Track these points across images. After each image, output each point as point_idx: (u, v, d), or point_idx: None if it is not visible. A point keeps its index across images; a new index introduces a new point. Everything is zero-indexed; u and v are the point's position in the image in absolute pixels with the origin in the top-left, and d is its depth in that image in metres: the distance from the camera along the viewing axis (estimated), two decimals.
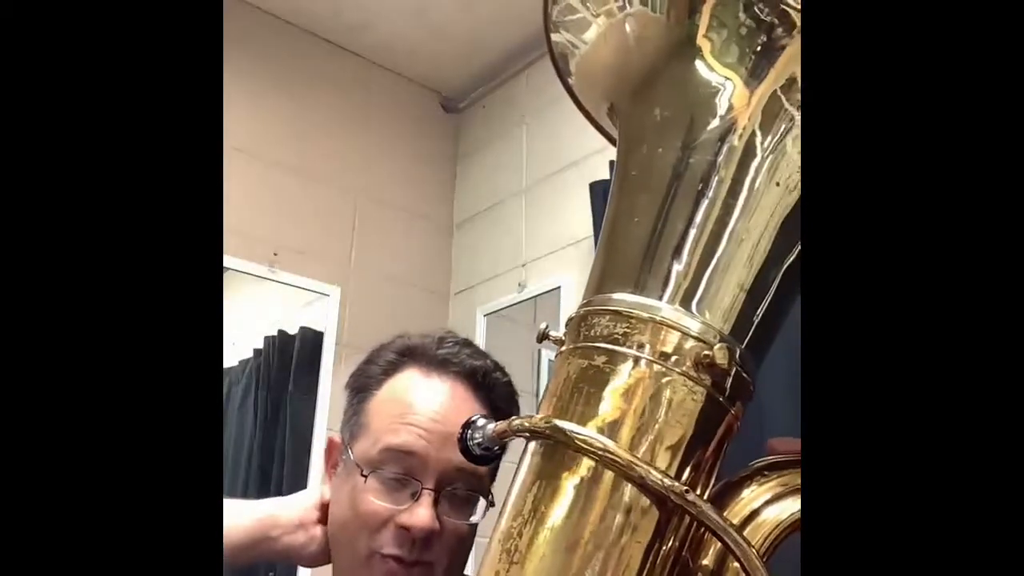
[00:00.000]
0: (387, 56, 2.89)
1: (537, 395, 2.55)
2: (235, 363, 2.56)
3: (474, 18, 2.67)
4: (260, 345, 2.58)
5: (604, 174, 2.22)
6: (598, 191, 2.23)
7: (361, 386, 0.87)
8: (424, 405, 0.81)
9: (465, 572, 0.85)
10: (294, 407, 2.47)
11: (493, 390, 0.86)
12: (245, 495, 2.40)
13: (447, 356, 0.85)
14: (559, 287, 2.46)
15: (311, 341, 2.56)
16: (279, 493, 2.40)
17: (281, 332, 2.59)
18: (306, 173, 2.67)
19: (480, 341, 2.70)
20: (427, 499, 0.78)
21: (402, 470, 0.79)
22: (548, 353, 2.56)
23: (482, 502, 0.82)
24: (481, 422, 0.52)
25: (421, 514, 0.77)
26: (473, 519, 0.81)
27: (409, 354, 0.86)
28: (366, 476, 0.79)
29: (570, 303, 2.39)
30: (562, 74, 0.64)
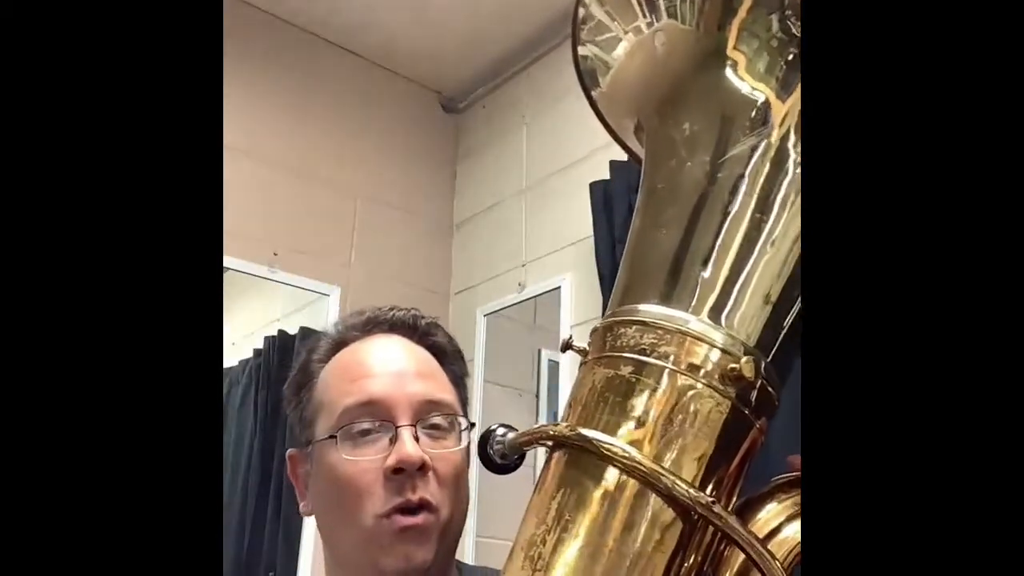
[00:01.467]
0: (387, 56, 2.89)
1: (537, 395, 2.55)
2: (235, 363, 2.56)
3: (474, 18, 2.66)
4: (260, 345, 2.58)
5: (604, 174, 2.22)
6: (598, 191, 2.23)
7: (300, 383, 0.84)
8: (371, 358, 0.79)
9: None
10: None
11: (431, 334, 0.84)
12: (245, 495, 2.40)
13: (372, 318, 0.83)
14: (559, 287, 2.46)
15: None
16: (279, 493, 2.41)
17: (281, 332, 2.59)
18: (306, 173, 2.67)
19: (480, 341, 2.70)
20: (407, 434, 0.73)
21: (371, 419, 0.75)
22: (548, 353, 2.56)
23: (463, 423, 0.78)
24: (500, 431, 0.51)
25: (406, 448, 0.72)
26: (460, 446, 0.77)
27: (339, 340, 0.84)
28: (336, 436, 0.75)
29: (570, 303, 2.39)
30: (587, 89, 0.64)
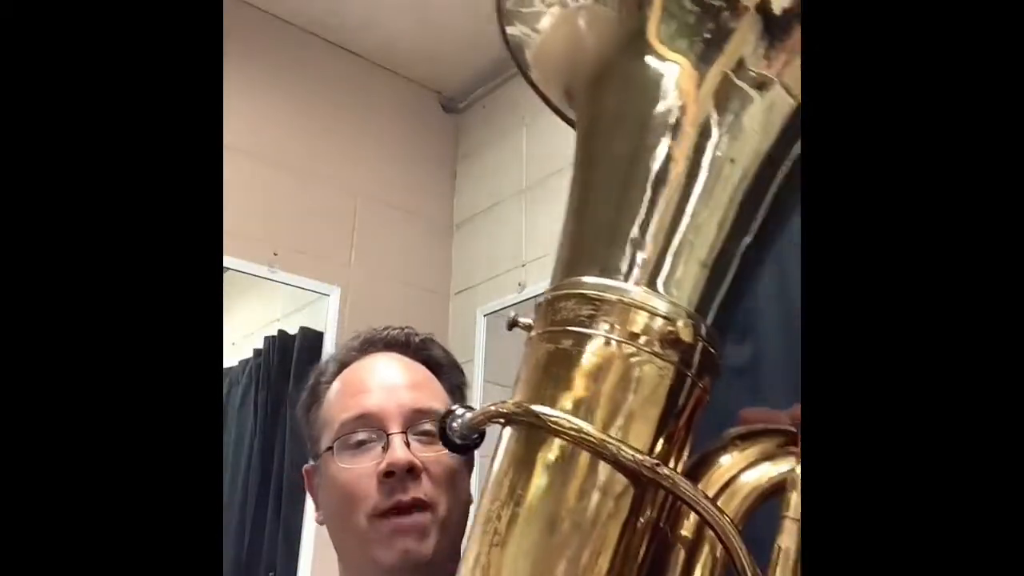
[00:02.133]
0: (387, 56, 2.89)
1: None
2: (235, 363, 2.56)
3: (474, 18, 2.66)
4: (260, 345, 2.59)
5: None
6: None
7: (309, 403, 0.91)
8: (366, 375, 0.86)
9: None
10: (294, 407, 2.47)
11: (425, 349, 0.90)
12: (245, 495, 2.40)
13: (368, 339, 0.90)
14: None
15: (311, 341, 2.56)
16: (279, 493, 2.41)
17: (281, 332, 2.59)
18: (306, 173, 2.67)
19: (480, 341, 2.71)
20: (397, 441, 0.79)
21: (365, 430, 0.81)
22: None
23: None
24: (459, 411, 0.52)
25: (396, 452, 0.78)
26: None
27: (342, 361, 0.90)
28: (332, 448, 0.81)
29: None
30: (521, 65, 0.66)
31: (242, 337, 2.60)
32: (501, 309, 2.70)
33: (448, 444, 0.53)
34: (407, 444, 0.79)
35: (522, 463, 0.48)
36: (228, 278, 2.38)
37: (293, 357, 2.55)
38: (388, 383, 0.84)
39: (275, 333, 2.59)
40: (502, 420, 0.50)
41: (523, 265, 2.67)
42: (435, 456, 0.80)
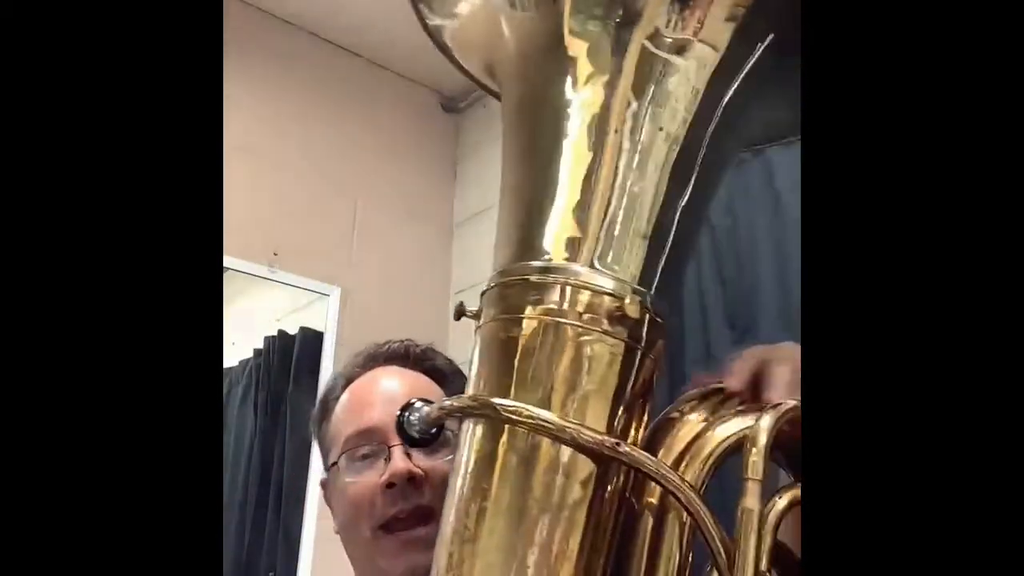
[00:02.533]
0: (387, 56, 2.89)
1: None
2: (235, 363, 2.56)
3: None
4: (260, 345, 2.58)
5: None
6: None
7: (320, 419, 0.94)
8: (367, 391, 0.89)
9: None
10: (294, 407, 2.47)
11: (427, 359, 0.92)
12: (245, 495, 2.40)
13: (370, 354, 0.93)
14: None
15: (311, 341, 2.56)
16: (279, 493, 2.41)
17: (281, 332, 2.59)
18: (306, 173, 2.67)
19: None
20: (398, 452, 0.82)
21: (368, 444, 0.84)
22: None
23: (453, 442, 0.82)
24: (418, 404, 0.53)
25: (396, 463, 0.81)
26: (451, 457, 0.83)
27: (347, 377, 0.93)
28: (337, 462, 0.85)
29: None
30: (444, 47, 0.68)
31: (242, 337, 2.59)
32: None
33: (406, 438, 0.53)
34: (408, 455, 0.81)
35: (485, 457, 0.48)
36: (228, 278, 2.38)
37: (293, 357, 2.54)
38: (389, 396, 0.86)
39: (275, 333, 2.59)
40: (458, 414, 0.50)
41: None
42: (438, 465, 0.82)
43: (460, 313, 0.55)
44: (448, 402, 0.51)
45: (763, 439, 0.47)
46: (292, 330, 2.58)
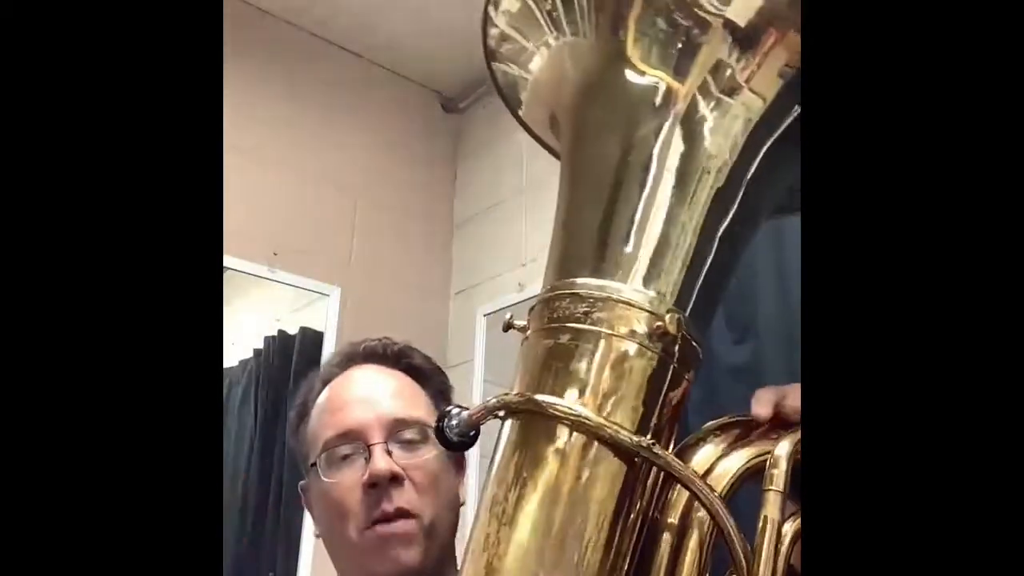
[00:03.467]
0: (387, 56, 2.89)
1: None
2: (235, 363, 2.56)
3: (474, 18, 2.66)
4: (260, 345, 2.58)
5: None
6: None
7: (297, 422, 0.92)
8: (345, 391, 0.87)
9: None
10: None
11: (405, 357, 0.91)
12: (245, 495, 2.40)
13: (347, 354, 0.91)
14: None
15: (311, 341, 2.56)
16: (279, 493, 2.41)
17: (281, 332, 2.59)
18: (306, 173, 2.67)
19: (480, 341, 2.70)
20: (378, 451, 0.81)
21: (347, 445, 0.83)
22: None
23: (433, 440, 0.81)
24: (456, 411, 0.55)
25: (377, 462, 0.80)
26: (431, 455, 0.83)
27: (325, 378, 0.91)
28: (316, 464, 0.83)
29: None
30: (510, 103, 0.74)
31: (242, 337, 2.59)
32: (501, 309, 2.69)
33: (446, 443, 0.55)
34: (389, 453, 0.81)
35: (525, 449, 0.51)
36: (228, 278, 2.38)
37: (293, 357, 2.54)
38: (367, 396, 0.85)
39: (275, 333, 2.59)
40: (503, 411, 0.53)
41: (523, 265, 2.67)
42: (419, 463, 0.82)
43: (508, 326, 0.59)
44: (492, 400, 0.53)
45: (785, 457, 0.52)
46: (292, 330, 2.58)
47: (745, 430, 0.58)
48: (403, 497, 0.80)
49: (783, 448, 0.52)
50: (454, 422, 0.54)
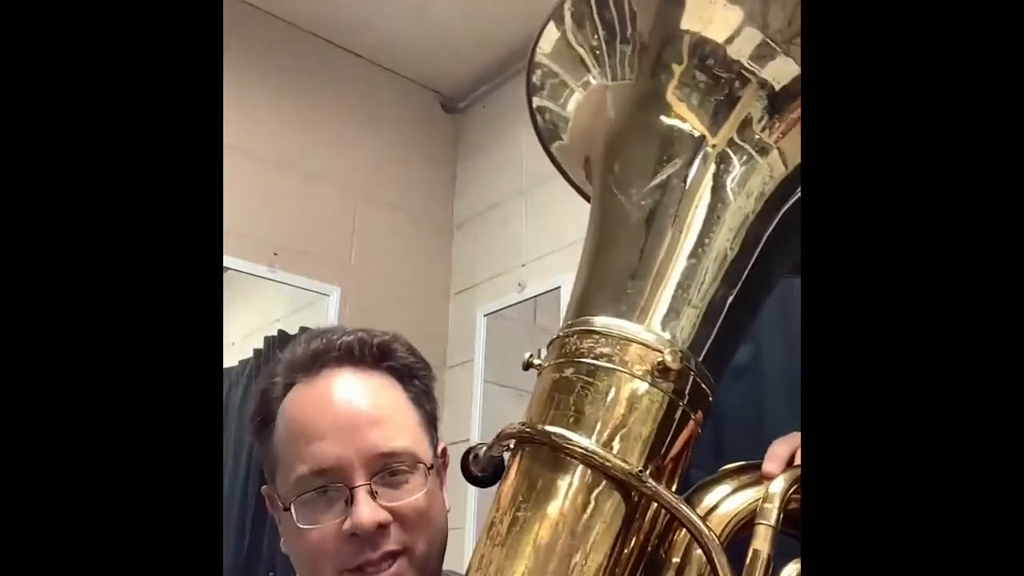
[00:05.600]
0: (387, 56, 2.89)
1: None
2: (235, 363, 2.56)
3: (474, 18, 2.66)
4: (260, 345, 2.58)
5: None
6: None
7: (260, 425, 0.81)
8: (318, 417, 0.75)
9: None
10: None
11: (385, 357, 0.79)
12: (245, 495, 2.40)
13: (319, 352, 0.78)
14: (559, 287, 2.46)
15: None
16: None
17: (281, 332, 2.59)
18: (306, 173, 2.67)
19: (480, 341, 2.71)
20: (361, 495, 0.71)
21: (325, 484, 0.73)
22: None
23: (421, 468, 0.75)
24: (476, 447, 0.56)
25: (361, 512, 0.71)
26: (420, 492, 0.74)
27: (290, 369, 0.79)
28: (289, 509, 0.74)
29: None
30: (546, 144, 0.72)
31: (242, 337, 2.59)
32: (501, 309, 2.70)
33: (474, 481, 0.56)
34: (373, 495, 0.72)
35: (525, 476, 0.53)
36: (228, 278, 2.38)
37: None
38: (345, 422, 0.74)
39: (275, 333, 2.59)
40: (509, 441, 0.54)
41: (523, 265, 2.67)
42: (407, 503, 0.74)
43: (528, 366, 0.59)
44: (503, 431, 0.54)
45: (779, 493, 0.53)
46: (292, 330, 2.58)
47: (759, 475, 0.58)
48: (390, 541, 0.72)
49: (778, 484, 0.53)
50: (480, 463, 0.56)
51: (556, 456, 0.51)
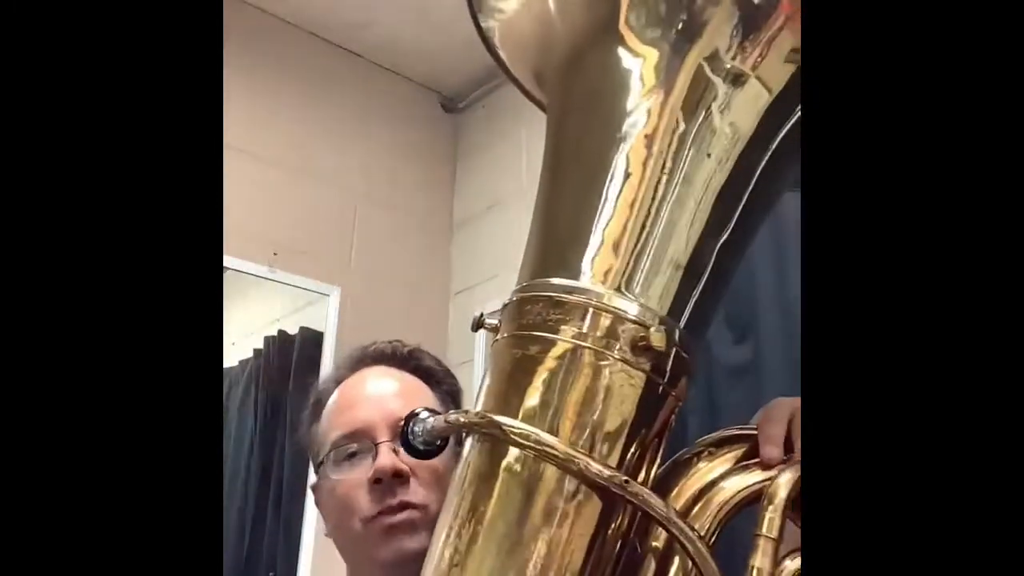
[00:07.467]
0: (387, 56, 2.89)
1: None
2: (235, 363, 2.56)
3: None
4: (260, 345, 2.58)
5: None
6: None
7: (310, 421, 0.93)
8: (354, 391, 0.89)
9: None
10: (294, 407, 2.47)
11: (414, 359, 0.92)
12: (245, 495, 2.40)
13: (357, 357, 0.93)
14: None
15: (311, 341, 2.56)
16: (279, 493, 2.41)
17: (281, 332, 2.59)
18: (306, 173, 2.67)
19: (480, 341, 2.70)
20: (384, 449, 0.82)
21: (355, 443, 0.85)
22: None
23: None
24: (424, 415, 0.50)
25: (383, 459, 0.81)
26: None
27: (336, 379, 0.93)
28: (323, 462, 0.85)
29: None
30: (492, 48, 0.64)
31: (242, 337, 2.59)
32: (501, 309, 2.69)
33: (409, 448, 0.51)
34: (395, 452, 0.81)
35: (484, 477, 0.45)
36: (228, 278, 2.38)
37: (293, 357, 2.54)
38: (375, 395, 0.88)
39: (275, 333, 2.59)
40: (464, 430, 0.48)
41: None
42: (424, 462, 0.81)
43: (479, 325, 0.53)
44: (454, 416, 0.48)
45: (782, 495, 0.46)
46: (292, 330, 2.58)
47: (740, 448, 0.52)
48: (407, 492, 0.81)
49: (781, 482, 0.46)
50: (418, 428, 0.50)
51: (522, 455, 0.44)
